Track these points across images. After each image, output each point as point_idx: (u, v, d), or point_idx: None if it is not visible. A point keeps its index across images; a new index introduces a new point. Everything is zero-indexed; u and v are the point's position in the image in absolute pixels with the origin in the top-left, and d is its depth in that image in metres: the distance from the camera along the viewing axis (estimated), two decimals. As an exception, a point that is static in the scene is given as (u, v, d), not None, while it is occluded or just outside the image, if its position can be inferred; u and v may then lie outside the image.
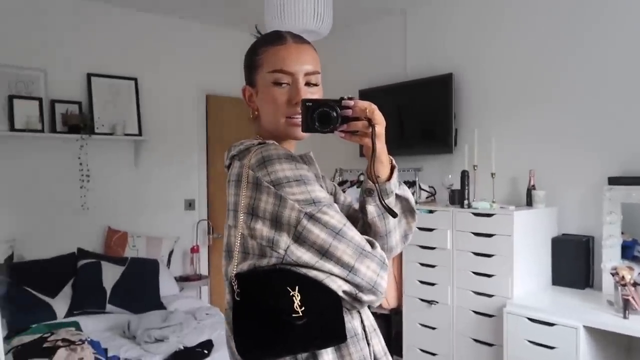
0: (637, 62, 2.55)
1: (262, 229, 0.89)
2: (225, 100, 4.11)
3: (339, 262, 0.88)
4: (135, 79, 3.69)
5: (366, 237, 0.94)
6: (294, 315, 0.86)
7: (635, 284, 2.20)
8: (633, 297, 2.17)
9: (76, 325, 2.46)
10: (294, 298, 0.87)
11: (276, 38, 1.02)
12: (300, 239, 0.87)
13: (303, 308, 0.87)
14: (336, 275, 0.88)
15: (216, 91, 4.09)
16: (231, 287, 0.92)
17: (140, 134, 3.64)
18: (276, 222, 0.88)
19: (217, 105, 4.11)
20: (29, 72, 3.25)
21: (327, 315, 0.89)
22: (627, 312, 2.16)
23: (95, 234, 3.51)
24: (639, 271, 2.29)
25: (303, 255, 0.87)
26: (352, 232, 0.91)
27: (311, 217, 0.88)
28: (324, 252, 0.88)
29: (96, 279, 3.01)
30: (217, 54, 4.07)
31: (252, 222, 0.90)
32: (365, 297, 0.90)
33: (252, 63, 1.04)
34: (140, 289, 3.11)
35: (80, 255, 3.17)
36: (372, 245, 0.93)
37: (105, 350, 2.23)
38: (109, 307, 2.96)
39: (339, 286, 0.89)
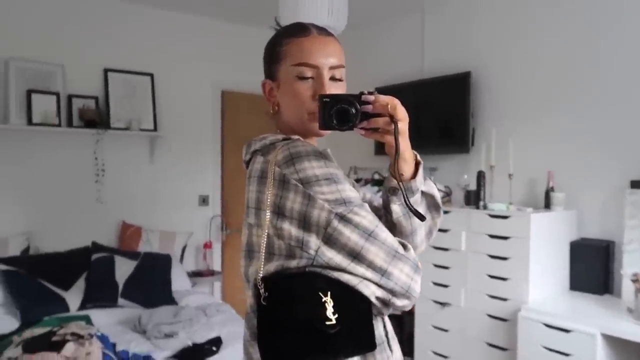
0: (664, 61, 2.46)
1: (290, 228, 0.85)
2: (241, 96, 4.10)
3: (371, 265, 0.84)
4: (152, 75, 3.70)
5: (398, 238, 0.90)
6: (327, 323, 0.82)
7: (656, 292, 2.12)
8: (654, 305, 2.09)
9: (87, 319, 2.48)
10: (326, 304, 0.83)
11: (300, 29, 0.97)
12: (330, 241, 0.83)
13: (336, 315, 0.83)
14: (369, 280, 0.85)
15: (232, 87, 4.08)
16: (255, 290, 0.88)
17: (155, 130, 3.65)
18: (304, 223, 0.84)
19: (232, 102, 4.11)
20: (47, 66, 3.29)
21: (358, 322, 0.86)
22: (647, 320, 2.08)
23: (110, 228, 3.54)
24: (661, 278, 2.20)
25: (334, 256, 0.84)
26: (385, 234, 0.87)
27: (342, 218, 0.83)
28: (356, 255, 0.84)
29: (109, 273, 3.04)
30: (232, 51, 4.06)
31: (278, 221, 0.86)
32: (399, 302, 0.87)
33: (273, 56, 0.99)
34: (152, 283, 3.12)
35: (94, 249, 3.20)
36: (405, 248, 0.89)
37: (114, 344, 2.24)
38: (121, 301, 2.98)
39: (372, 292, 0.85)
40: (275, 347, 0.85)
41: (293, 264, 0.86)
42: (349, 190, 0.87)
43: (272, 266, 0.88)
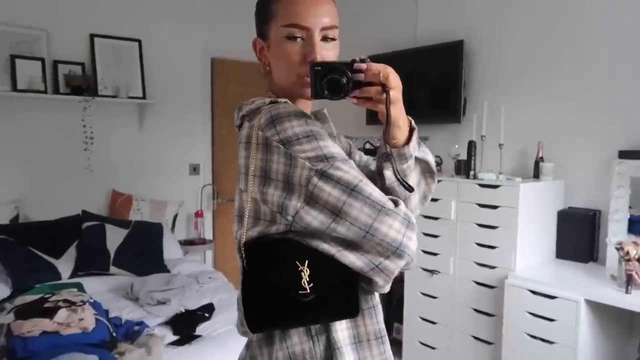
0: (657, 31, 2.45)
1: (274, 193, 0.84)
2: (231, 64, 4.04)
3: (355, 222, 0.80)
4: (139, 41, 3.62)
5: (390, 196, 0.85)
6: (300, 292, 0.83)
7: (639, 259, 2.17)
8: (637, 273, 2.15)
9: (79, 287, 2.49)
10: (302, 273, 0.83)
11: None
12: (312, 199, 0.81)
13: (311, 285, 0.83)
14: (351, 239, 0.81)
15: (221, 55, 4.01)
16: (240, 254, 0.89)
17: (144, 97, 3.60)
18: (288, 184, 0.83)
19: (222, 69, 4.04)
20: (31, 31, 3.20)
21: (338, 291, 0.86)
22: (629, 287, 2.13)
23: (100, 196, 3.52)
24: (645, 246, 2.25)
25: (313, 220, 0.81)
26: (370, 189, 0.82)
27: (322, 174, 0.80)
28: (337, 212, 0.80)
29: (100, 241, 3.04)
30: (222, 17, 3.97)
31: (265, 186, 0.85)
32: (392, 264, 0.82)
33: (264, 14, 0.96)
34: (143, 251, 3.14)
35: (84, 217, 3.19)
36: (396, 204, 0.84)
37: (107, 311, 2.26)
38: (112, 269, 2.99)
39: (351, 262, 0.83)
40: (255, 309, 0.87)
41: (273, 229, 0.86)
42: (331, 147, 0.85)
43: (255, 232, 0.88)
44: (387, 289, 0.88)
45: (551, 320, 2.28)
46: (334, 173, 0.81)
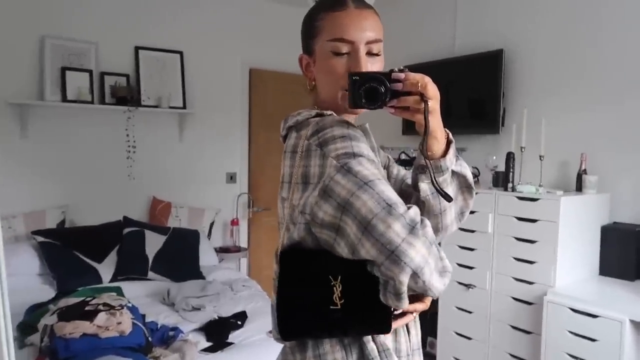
0: None
1: (308, 196, 0.84)
2: (268, 74, 4.10)
3: (357, 216, 0.76)
4: (181, 52, 3.73)
5: (413, 206, 0.82)
6: (331, 307, 0.83)
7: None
8: (687, 293, 2.03)
9: (118, 291, 2.57)
10: (335, 288, 0.83)
11: (336, 3, 0.95)
12: (326, 193, 0.80)
13: (343, 301, 0.83)
14: (352, 239, 0.78)
15: (259, 65, 4.08)
16: (277, 262, 0.90)
17: (184, 107, 3.70)
18: (317, 184, 0.83)
19: (260, 79, 4.11)
20: (81, 44, 3.35)
21: (370, 308, 0.84)
22: (679, 308, 2.02)
23: (141, 203, 3.63)
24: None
25: (325, 215, 0.80)
26: (383, 187, 0.79)
27: (342, 167, 0.80)
28: (345, 204, 0.78)
29: (139, 247, 3.13)
30: (261, 28, 4.05)
31: (303, 192, 0.85)
32: (387, 271, 0.75)
33: (309, 30, 0.98)
34: (181, 258, 3.21)
35: (125, 223, 3.30)
36: (414, 215, 0.78)
37: (143, 316, 2.32)
38: (150, 274, 3.07)
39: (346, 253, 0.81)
40: (286, 318, 0.87)
41: (295, 233, 0.86)
42: (363, 148, 0.84)
43: (286, 238, 0.89)
44: (400, 306, 0.80)
45: (593, 340, 2.19)
46: (353, 167, 0.80)
